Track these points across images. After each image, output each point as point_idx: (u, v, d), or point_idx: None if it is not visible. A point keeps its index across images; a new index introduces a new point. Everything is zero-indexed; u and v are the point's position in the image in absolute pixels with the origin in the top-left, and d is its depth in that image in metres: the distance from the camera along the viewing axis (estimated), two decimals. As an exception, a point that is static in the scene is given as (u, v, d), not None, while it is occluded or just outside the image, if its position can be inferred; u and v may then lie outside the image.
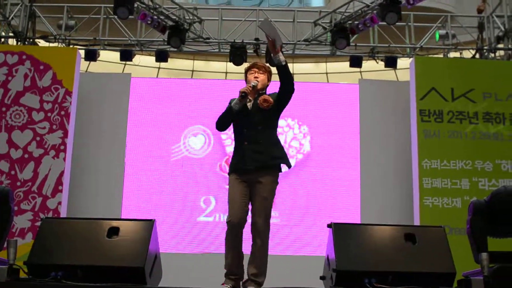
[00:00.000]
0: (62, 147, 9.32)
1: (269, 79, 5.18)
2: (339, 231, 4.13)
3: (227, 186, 5.07)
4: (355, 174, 10.09)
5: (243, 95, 4.93)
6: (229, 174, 5.07)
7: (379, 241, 4.09)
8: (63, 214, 9.13)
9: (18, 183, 9.10)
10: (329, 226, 4.19)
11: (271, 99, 4.95)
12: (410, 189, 9.56)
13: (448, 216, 9.02)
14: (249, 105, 5.03)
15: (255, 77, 5.07)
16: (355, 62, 10.72)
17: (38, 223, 4.07)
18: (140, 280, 3.78)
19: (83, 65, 11.23)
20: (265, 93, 5.12)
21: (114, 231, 4.03)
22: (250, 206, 4.93)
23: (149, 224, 4.09)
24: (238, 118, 5.01)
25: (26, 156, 9.24)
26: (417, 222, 9.10)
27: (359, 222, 9.40)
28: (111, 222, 4.10)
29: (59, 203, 9.09)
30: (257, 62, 5.24)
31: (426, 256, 4.03)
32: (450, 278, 3.96)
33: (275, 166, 4.95)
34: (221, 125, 5.10)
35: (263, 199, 4.82)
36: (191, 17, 10.55)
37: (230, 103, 5.08)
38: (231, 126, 5.15)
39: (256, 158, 4.84)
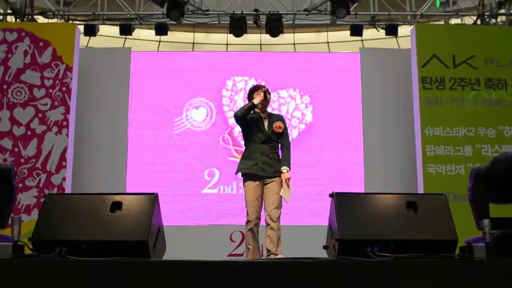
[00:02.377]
0: (64, 123, 9.36)
1: (268, 99, 6.23)
2: (341, 200, 4.13)
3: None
4: (358, 143, 10.10)
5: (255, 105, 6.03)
6: (237, 172, 6.11)
7: (380, 210, 4.10)
8: (68, 190, 9.20)
9: (22, 160, 9.15)
10: (331, 195, 4.20)
11: (282, 127, 6.08)
12: (413, 157, 9.57)
13: (451, 183, 9.05)
14: (266, 124, 6.09)
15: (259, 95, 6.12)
16: (356, 30, 10.66)
17: (43, 199, 4.09)
18: (144, 253, 3.80)
19: (83, 40, 11.19)
20: (270, 112, 6.33)
21: (117, 205, 4.04)
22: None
23: (152, 197, 4.10)
24: (255, 130, 6.04)
25: (29, 133, 9.28)
26: (420, 190, 9.11)
27: (363, 191, 9.41)
28: (113, 197, 4.10)
29: (64, 179, 9.15)
30: (259, 84, 6.36)
31: (428, 223, 4.03)
32: (452, 245, 3.96)
33: (278, 176, 6.02)
34: (240, 115, 6.00)
35: (275, 194, 5.89)
36: (189, -11, 10.49)
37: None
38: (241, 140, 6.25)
39: (265, 170, 5.94)
